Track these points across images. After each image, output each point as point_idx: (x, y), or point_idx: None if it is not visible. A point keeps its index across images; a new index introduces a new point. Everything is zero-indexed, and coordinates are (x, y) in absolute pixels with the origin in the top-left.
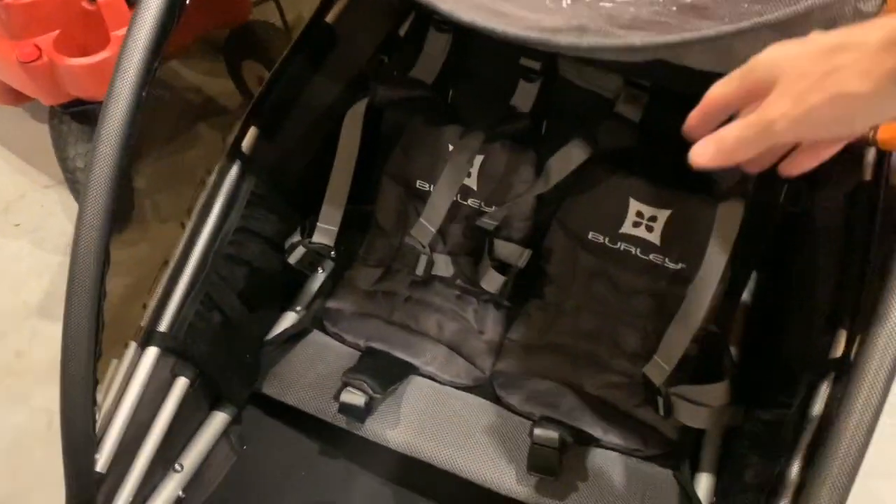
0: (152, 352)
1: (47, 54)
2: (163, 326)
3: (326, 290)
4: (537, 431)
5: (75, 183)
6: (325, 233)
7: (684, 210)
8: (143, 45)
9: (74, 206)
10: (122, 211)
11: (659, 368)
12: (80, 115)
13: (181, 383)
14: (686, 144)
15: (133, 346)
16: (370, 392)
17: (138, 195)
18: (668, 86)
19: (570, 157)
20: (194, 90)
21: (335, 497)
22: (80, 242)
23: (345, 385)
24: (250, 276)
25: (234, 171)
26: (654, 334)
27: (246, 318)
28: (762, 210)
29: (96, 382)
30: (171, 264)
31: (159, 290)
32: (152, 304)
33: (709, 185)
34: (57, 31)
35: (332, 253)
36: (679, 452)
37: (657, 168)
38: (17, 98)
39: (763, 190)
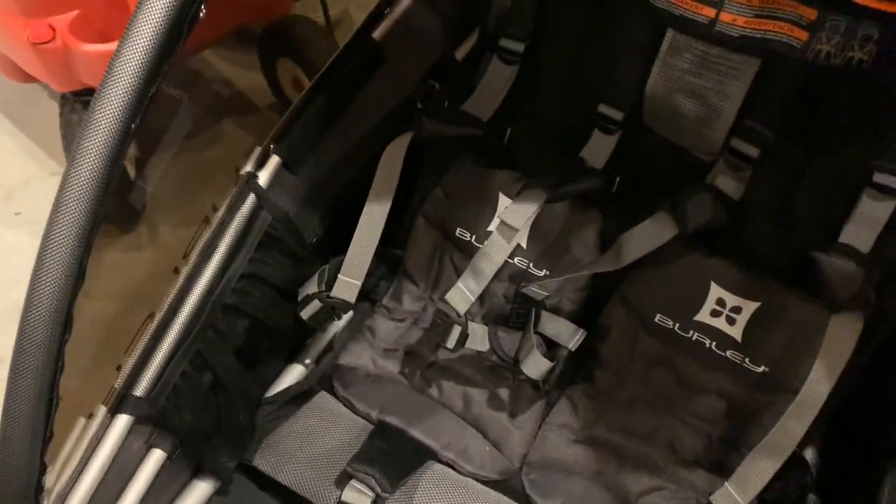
0: (124, 420)
1: (61, 37)
2: (139, 390)
3: (342, 342)
4: None
5: None
6: (347, 287)
7: (779, 306)
8: (149, 36)
9: None
10: (129, 210)
11: (730, 500)
12: None
13: (157, 457)
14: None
15: (102, 411)
16: (378, 490)
17: (150, 194)
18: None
19: (650, 235)
20: (224, 82)
21: None
22: (36, 303)
23: (350, 476)
24: (252, 331)
25: (247, 206)
26: (720, 443)
27: (242, 379)
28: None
29: (44, 468)
30: (158, 317)
31: (139, 348)
32: (130, 363)
33: (817, 286)
34: (75, 12)
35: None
36: None
37: (751, 252)
38: (27, 76)
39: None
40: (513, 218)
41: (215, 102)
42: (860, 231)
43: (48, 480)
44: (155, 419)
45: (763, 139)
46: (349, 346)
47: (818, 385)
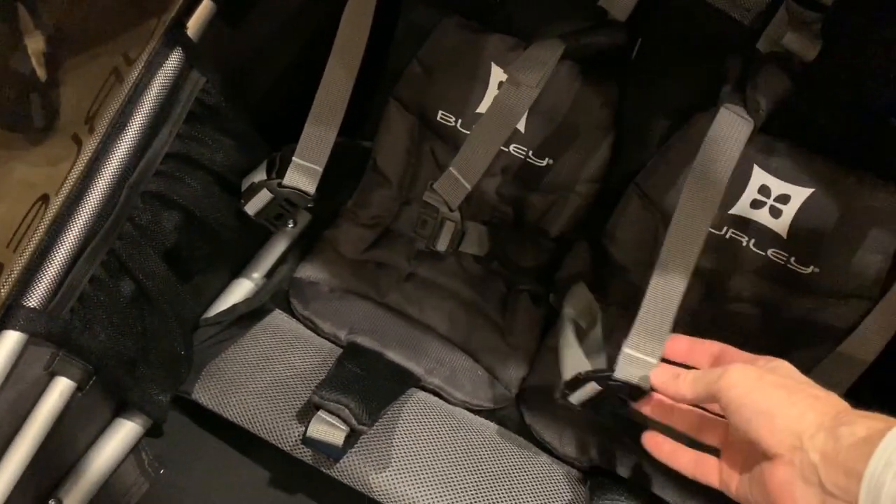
0: (12, 338)
1: None
2: (33, 300)
3: (298, 252)
4: None
5: None
6: (304, 172)
7: (837, 192)
8: None
9: None
10: (38, 117)
11: None
12: None
13: (62, 386)
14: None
15: None
16: (353, 423)
17: (63, 98)
18: None
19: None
20: None
21: None
22: None
23: (317, 407)
24: (185, 228)
25: (171, 63)
26: None
27: (173, 291)
28: None
29: None
30: (56, 202)
31: (31, 241)
32: (18, 262)
33: (883, 163)
34: None
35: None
36: None
37: (806, 128)
38: None
39: None
40: (522, 73)
41: None
42: None
43: None
44: (57, 338)
45: None
46: (308, 257)
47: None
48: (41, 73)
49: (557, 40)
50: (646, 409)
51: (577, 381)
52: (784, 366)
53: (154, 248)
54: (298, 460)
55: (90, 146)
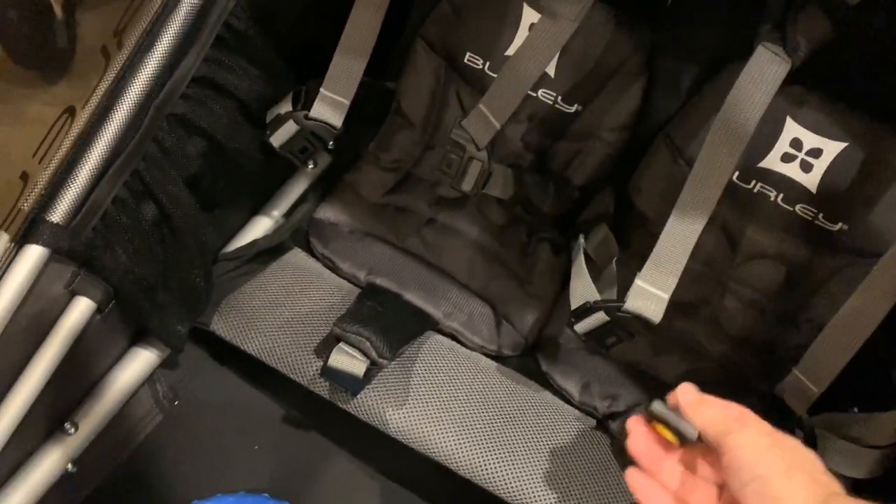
0: (35, 252)
1: None
2: (57, 215)
3: (318, 194)
4: None
5: None
6: (331, 105)
7: (870, 147)
8: None
9: None
10: (55, 56)
11: (802, 389)
12: None
13: (82, 306)
14: None
15: (4, 239)
16: (374, 356)
17: (81, 39)
18: None
19: (760, 80)
20: None
21: (299, 488)
22: None
23: (337, 340)
24: (208, 155)
25: None
26: (776, 319)
27: (195, 217)
28: None
29: None
30: (83, 116)
31: (58, 155)
32: (43, 175)
33: None
34: None
35: (332, 142)
36: None
37: (843, 79)
38: None
39: None
40: (563, 6)
41: None
42: None
43: None
44: (79, 256)
45: None
46: (328, 198)
47: None
48: None
49: None
50: (638, 454)
51: (586, 310)
52: (799, 446)
53: (178, 172)
54: (313, 398)
55: (118, 61)
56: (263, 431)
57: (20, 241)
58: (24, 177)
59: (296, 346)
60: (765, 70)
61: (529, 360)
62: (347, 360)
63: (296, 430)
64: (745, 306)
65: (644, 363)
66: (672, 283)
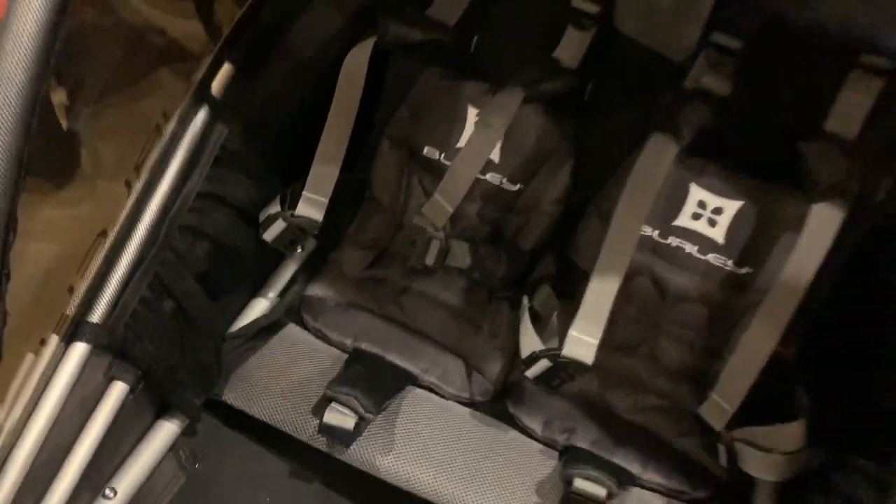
0: (80, 349)
1: None
2: (96, 316)
3: (307, 273)
4: (578, 484)
5: None
6: (312, 204)
7: (761, 204)
8: None
9: None
10: (61, 163)
11: (718, 409)
12: None
13: (118, 390)
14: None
15: (54, 340)
16: (361, 412)
17: (83, 146)
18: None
19: (653, 163)
20: (156, 31)
21: None
22: None
23: (329, 400)
24: (213, 254)
25: (200, 118)
26: (704, 352)
27: (205, 308)
28: (855, 209)
29: None
30: (111, 236)
31: (93, 268)
32: (83, 286)
33: (798, 177)
34: None
35: (318, 229)
36: (730, 496)
37: (731, 150)
38: None
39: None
40: (491, 117)
41: (148, 50)
42: (845, 117)
43: None
44: (114, 348)
45: (746, 28)
46: (316, 277)
47: (798, 273)
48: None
49: (519, 88)
50: None
51: (532, 359)
52: None
53: (189, 271)
54: (315, 451)
55: (137, 188)
56: (272, 484)
57: (67, 340)
58: (70, 290)
59: (295, 408)
60: (658, 151)
61: (498, 403)
62: (339, 417)
63: (300, 481)
64: (677, 343)
65: (597, 399)
66: (598, 330)
